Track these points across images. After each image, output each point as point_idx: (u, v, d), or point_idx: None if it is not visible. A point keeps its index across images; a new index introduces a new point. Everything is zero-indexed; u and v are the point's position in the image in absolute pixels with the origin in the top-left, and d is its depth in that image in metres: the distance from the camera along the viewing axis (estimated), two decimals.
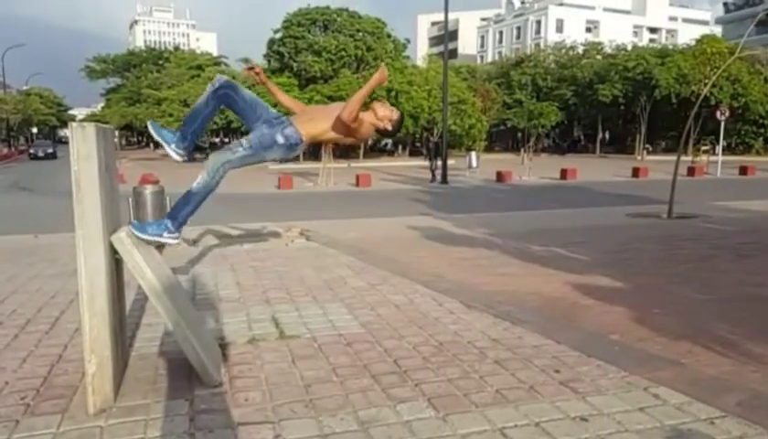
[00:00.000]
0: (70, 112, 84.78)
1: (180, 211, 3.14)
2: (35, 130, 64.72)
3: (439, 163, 20.90)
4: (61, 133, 78.19)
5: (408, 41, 41.04)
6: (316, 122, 3.27)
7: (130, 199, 7.24)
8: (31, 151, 44.78)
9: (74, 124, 2.53)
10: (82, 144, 2.51)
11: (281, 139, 3.10)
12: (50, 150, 43.57)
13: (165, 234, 3.08)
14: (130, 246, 2.76)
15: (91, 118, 63.47)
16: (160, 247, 6.94)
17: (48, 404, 2.78)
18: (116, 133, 45.43)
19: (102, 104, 72.62)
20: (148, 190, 7.33)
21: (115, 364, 2.76)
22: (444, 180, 20.09)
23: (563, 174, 21.23)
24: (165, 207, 7.34)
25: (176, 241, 3.15)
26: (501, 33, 79.03)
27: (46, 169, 30.59)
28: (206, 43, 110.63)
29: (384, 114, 3.36)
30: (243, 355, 3.44)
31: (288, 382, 3.03)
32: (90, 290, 2.60)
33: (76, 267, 2.63)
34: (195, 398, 2.83)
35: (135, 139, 78.04)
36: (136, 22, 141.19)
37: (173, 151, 3.15)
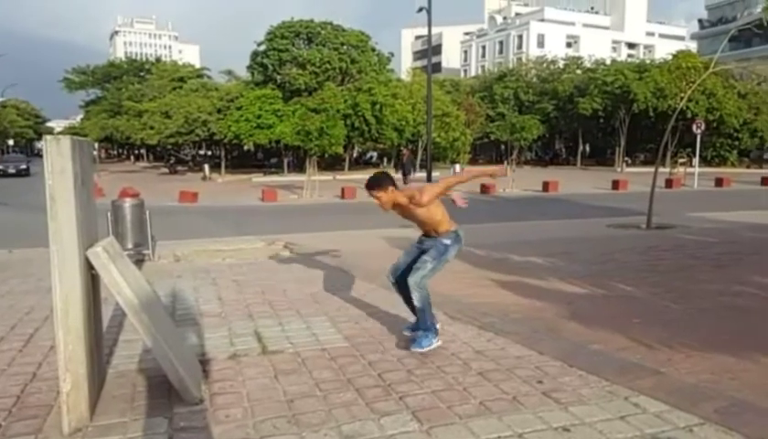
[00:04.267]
0: (48, 124, 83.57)
1: (426, 320, 3.74)
2: (11, 142, 63.61)
3: (418, 175, 20.90)
4: (39, 145, 76.82)
5: (392, 54, 41.30)
6: (435, 220, 3.81)
7: (109, 214, 7.14)
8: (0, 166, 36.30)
9: (48, 137, 2.50)
10: (57, 157, 2.47)
11: (447, 240, 3.80)
12: (23, 166, 36.02)
13: (434, 341, 3.73)
14: (106, 261, 2.71)
15: (70, 130, 62.52)
16: (139, 262, 6.81)
17: (20, 425, 2.70)
18: (95, 145, 44.71)
19: (82, 116, 71.64)
20: (127, 204, 7.23)
21: (91, 382, 2.70)
22: None
23: (545, 186, 21.47)
24: (145, 221, 7.26)
25: (439, 343, 3.77)
26: (484, 47, 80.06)
27: (23, 182, 30.04)
28: (188, 55, 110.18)
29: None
30: (224, 371, 3.39)
31: (270, 398, 2.99)
32: (65, 306, 2.55)
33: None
34: (174, 415, 2.78)
35: (116, 152, 77.07)
36: (117, 33, 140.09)
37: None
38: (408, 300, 3.85)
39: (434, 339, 3.74)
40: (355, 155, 45.72)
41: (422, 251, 3.81)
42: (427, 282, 3.71)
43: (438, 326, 3.88)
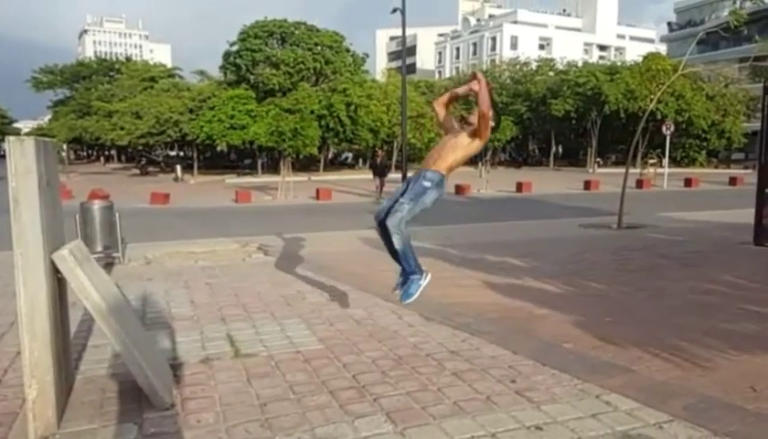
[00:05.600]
0: (15, 125, 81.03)
1: (410, 264, 3.79)
2: None
3: (392, 176, 20.79)
4: (5, 146, 74.38)
5: (367, 55, 41.31)
6: (444, 158, 3.84)
7: (77, 216, 6.96)
8: None
9: (12, 138, 2.43)
10: (21, 158, 2.41)
11: (427, 183, 3.77)
12: None
13: (422, 282, 3.78)
14: (73, 264, 2.65)
15: (38, 131, 60.74)
16: (108, 265, 6.67)
17: None
18: (64, 146, 43.41)
19: (50, 117, 69.63)
20: (96, 206, 7.07)
21: (58, 388, 2.63)
22: None
23: (519, 187, 21.74)
24: (115, 223, 7.10)
25: (428, 279, 3.82)
26: (458, 49, 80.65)
27: None
28: (160, 54, 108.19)
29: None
30: (196, 375, 3.34)
31: (243, 402, 2.96)
32: (30, 311, 2.48)
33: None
34: (144, 421, 2.72)
35: (85, 153, 75.22)
36: (86, 32, 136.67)
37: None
38: (390, 245, 3.83)
39: (421, 280, 3.77)
40: (330, 155, 45.55)
41: (404, 192, 3.82)
42: (405, 225, 3.73)
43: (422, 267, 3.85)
